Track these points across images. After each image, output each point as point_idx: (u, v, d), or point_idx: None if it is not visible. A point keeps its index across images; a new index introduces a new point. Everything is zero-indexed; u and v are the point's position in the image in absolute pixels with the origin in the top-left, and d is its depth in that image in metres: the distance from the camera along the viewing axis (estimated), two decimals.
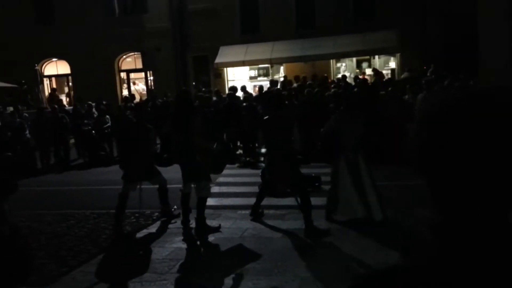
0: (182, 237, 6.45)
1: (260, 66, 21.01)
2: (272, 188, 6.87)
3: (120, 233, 6.79)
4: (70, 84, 24.09)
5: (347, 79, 16.85)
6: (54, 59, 23.76)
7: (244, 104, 12.75)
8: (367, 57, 20.14)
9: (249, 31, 20.59)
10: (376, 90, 12.31)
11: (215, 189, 8.57)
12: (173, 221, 7.12)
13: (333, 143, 6.71)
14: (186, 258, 5.74)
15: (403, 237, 0.90)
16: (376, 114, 9.85)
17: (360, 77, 17.48)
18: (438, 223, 0.83)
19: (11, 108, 14.55)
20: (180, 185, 6.87)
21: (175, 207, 7.35)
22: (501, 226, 0.80)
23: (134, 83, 23.79)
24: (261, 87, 15.19)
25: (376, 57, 20.21)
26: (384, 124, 10.08)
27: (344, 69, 20.64)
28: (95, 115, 14.12)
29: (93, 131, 13.30)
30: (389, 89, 11.56)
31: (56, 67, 24.19)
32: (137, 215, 7.46)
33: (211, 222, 6.73)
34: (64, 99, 22.88)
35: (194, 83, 21.24)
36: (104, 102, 14.90)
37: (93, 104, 14.85)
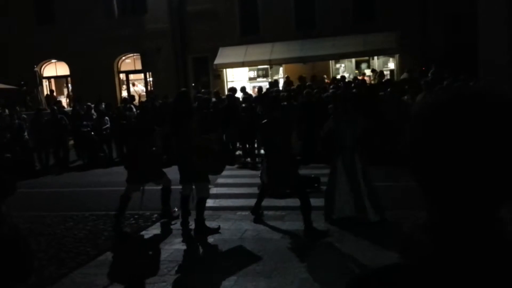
0: (181, 239, 6.44)
1: (260, 67, 21.02)
2: (272, 190, 6.86)
3: (119, 234, 6.79)
4: (69, 85, 24.09)
5: (346, 80, 16.84)
6: (53, 60, 23.77)
7: (244, 105, 12.75)
8: (366, 58, 20.17)
9: (249, 32, 20.59)
10: (375, 91, 12.32)
11: (214, 190, 8.58)
12: (173, 222, 7.11)
13: (332, 143, 6.72)
14: (186, 259, 5.74)
15: (401, 237, 0.90)
16: (375, 115, 9.86)
17: (359, 77, 17.50)
18: (430, 222, 0.84)
19: (7, 111, 14.53)
20: (180, 187, 6.86)
21: (176, 209, 7.35)
22: (491, 224, 0.81)
23: (133, 84, 23.79)
24: (260, 88, 15.20)
25: (375, 58, 20.23)
26: (383, 124, 10.09)
27: (343, 70, 20.67)
28: (94, 117, 14.11)
29: (92, 133, 13.29)
30: (388, 89, 11.56)
31: (55, 69, 24.20)
32: (136, 216, 7.46)
33: (210, 223, 6.73)
34: (64, 100, 22.92)
35: (193, 84, 21.25)
36: (103, 104, 14.89)
37: (92, 105, 14.84)
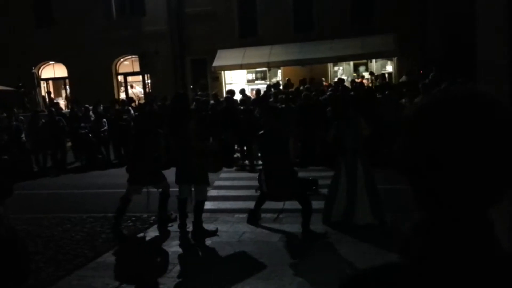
0: (179, 241, 6.43)
1: (258, 69, 21.04)
2: (271, 199, 6.82)
3: (118, 236, 6.77)
4: (67, 87, 24.06)
5: (344, 83, 16.86)
6: (51, 62, 23.73)
7: (242, 107, 12.76)
8: (365, 60, 20.20)
9: (247, 35, 20.61)
10: (373, 94, 12.34)
11: (212, 192, 8.56)
12: (169, 224, 7.10)
13: (336, 148, 6.73)
14: (183, 262, 5.73)
15: (400, 238, 0.92)
16: (373, 118, 9.86)
17: (357, 80, 17.53)
18: (420, 222, 0.86)
19: (4, 114, 14.48)
20: (176, 189, 6.84)
21: (172, 212, 7.33)
22: (479, 223, 0.82)
23: (131, 86, 23.77)
24: (258, 91, 15.20)
25: (373, 61, 20.27)
26: (381, 127, 10.10)
27: (342, 72, 20.70)
28: (92, 118, 14.10)
29: (90, 134, 13.28)
30: (386, 92, 11.58)
31: (54, 70, 24.16)
32: (133, 218, 7.45)
33: (208, 226, 6.72)
34: (62, 102, 22.88)
35: (191, 86, 21.25)
36: (102, 106, 14.88)
37: (91, 107, 14.82)
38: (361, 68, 20.51)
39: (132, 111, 14.62)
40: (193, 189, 6.66)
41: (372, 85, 16.47)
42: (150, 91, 21.11)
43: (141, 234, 6.88)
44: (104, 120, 13.56)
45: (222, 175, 10.17)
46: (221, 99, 14.28)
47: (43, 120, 13.38)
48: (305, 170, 9.55)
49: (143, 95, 21.59)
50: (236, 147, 12.80)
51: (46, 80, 24.32)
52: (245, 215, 7.12)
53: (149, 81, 22.04)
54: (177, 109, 6.69)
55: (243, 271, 5.29)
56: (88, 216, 7.83)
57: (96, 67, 21.47)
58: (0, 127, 13.42)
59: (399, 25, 18.14)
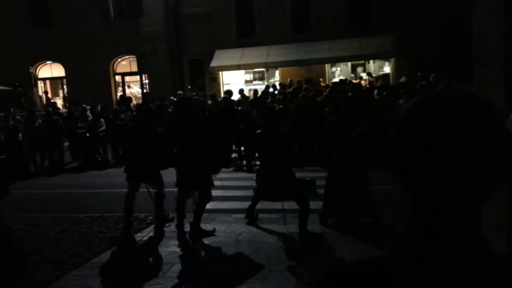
0: (176, 241, 6.43)
1: (256, 70, 21.05)
2: (267, 199, 6.83)
3: (128, 235, 6.80)
4: (65, 87, 24.02)
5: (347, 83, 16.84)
6: (48, 62, 23.70)
7: (239, 108, 12.76)
8: (362, 61, 20.23)
9: (245, 35, 20.63)
10: (370, 95, 12.36)
11: None
12: (167, 224, 7.10)
13: (331, 147, 6.73)
14: (180, 262, 5.72)
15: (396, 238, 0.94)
16: (370, 119, 9.87)
17: (355, 81, 17.54)
18: (410, 220, 0.88)
19: (1, 114, 14.46)
20: (174, 189, 6.85)
21: (170, 212, 7.34)
22: (464, 222, 0.83)
23: (129, 86, 23.76)
24: (255, 91, 15.20)
25: (371, 61, 20.31)
26: (378, 128, 10.11)
27: (339, 73, 20.72)
28: (89, 118, 14.08)
29: (88, 134, 13.26)
30: (384, 93, 11.60)
31: (51, 70, 24.13)
32: (131, 218, 7.43)
33: (205, 226, 6.72)
34: (59, 102, 22.84)
35: (189, 87, 21.24)
36: (99, 106, 14.87)
37: (88, 107, 14.81)
38: (359, 69, 20.54)
39: (129, 111, 14.61)
40: (196, 192, 6.65)
41: (370, 85, 16.48)
42: (147, 91, 21.10)
43: (139, 234, 6.87)
44: (102, 120, 13.54)
45: (220, 175, 10.12)
46: (219, 100, 14.28)
47: (40, 120, 13.35)
48: (303, 170, 9.55)
49: (140, 95, 21.59)
50: (233, 147, 12.79)
51: (44, 79, 24.29)
52: (242, 215, 7.13)
53: (146, 81, 22.04)
54: (181, 114, 6.65)
55: (240, 271, 5.29)
56: (85, 216, 7.82)
57: (94, 67, 21.45)
58: None
59: (397, 26, 18.18)
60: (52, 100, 22.04)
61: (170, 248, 6.17)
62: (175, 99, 14.42)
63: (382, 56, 19.27)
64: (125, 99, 16.53)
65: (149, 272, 5.41)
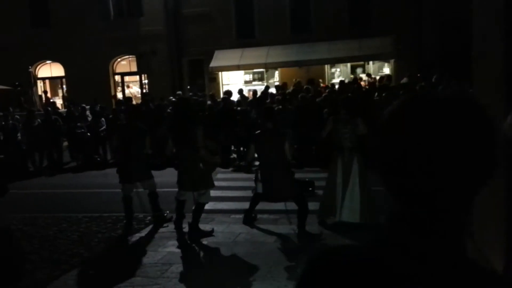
0: (175, 241, 6.43)
1: (255, 70, 21.04)
2: (266, 200, 6.82)
3: (126, 235, 6.82)
4: (64, 86, 24.01)
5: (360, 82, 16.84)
6: (48, 61, 23.68)
7: (239, 108, 12.76)
8: (362, 62, 20.23)
9: (245, 36, 20.62)
10: (370, 96, 12.36)
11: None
12: (165, 225, 7.10)
13: (331, 146, 6.73)
14: (179, 262, 5.72)
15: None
16: (369, 119, 9.87)
17: (346, 81, 17.52)
18: (390, 213, 0.90)
19: (0, 113, 14.44)
20: (173, 189, 6.85)
21: (168, 212, 7.33)
22: (442, 223, 0.84)
23: (128, 86, 23.75)
24: (255, 92, 15.20)
25: (371, 62, 20.31)
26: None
27: (339, 74, 20.73)
28: (89, 118, 14.07)
29: (88, 134, 13.25)
30: (383, 94, 11.61)
31: (50, 70, 24.11)
32: (133, 222, 7.42)
33: (204, 226, 6.72)
34: (58, 101, 22.83)
35: (188, 87, 21.25)
36: (99, 105, 14.86)
37: (87, 106, 14.80)
38: (358, 70, 20.54)
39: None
40: (195, 192, 6.64)
41: (370, 86, 16.46)
42: (146, 91, 21.10)
43: (137, 234, 6.87)
44: (103, 119, 13.53)
45: (219, 175, 10.16)
46: (218, 100, 14.28)
47: (39, 120, 13.35)
48: (301, 171, 9.55)
49: (140, 95, 21.58)
50: (232, 148, 12.80)
51: (43, 79, 24.28)
52: (241, 216, 7.12)
53: (146, 81, 22.04)
54: (181, 116, 6.64)
55: (239, 271, 5.29)
56: (84, 216, 7.82)
57: (93, 67, 21.44)
58: None
59: (397, 27, 18.19)
60: (51, 100, 22.03)
61: (168, 249, 6.17)
62: (174, 99, 14.42)
63: (381, 57, 19.28)
64: (126, 99, 16.53)
65: (147, 272, 5.40)
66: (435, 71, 15.34)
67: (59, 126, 13.33)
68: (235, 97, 14.27)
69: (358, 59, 19.62)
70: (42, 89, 23.74)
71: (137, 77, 22.53)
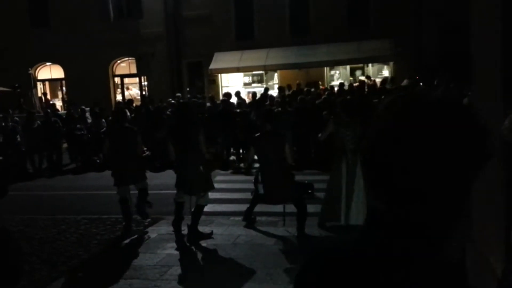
0: (174, 243, 6.42)
1: (255, 72, 21.04)
2: (266, 202, 6.82)
3: (125, 237, 6.82)
4: (64, 88, 24.02)
5: (344, 87, 16.85)
6: (48, 63, 23.68)
7: (238, 110, 12.77)
8: (361, 65, 20.25)
9: (244, 38, 20.63)
10: (369, 97, 12.37)
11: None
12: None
13: (331, 148, 6.72)
14: (178, 264, 5.72)
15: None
16: (368, 122, 9.89)
17: (355, 84, 17.53)
18: (374, 210, 0.91)
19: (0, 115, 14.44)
20: (173, 191, 6.84)
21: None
22: (423, 226, 0.85)
23: (127, 88, 23.76)
24: (254, 94, 15.22)
25: (370, 65, 20.33)
26: None
27: (338, 76, 20.74)
28: (88, 120, 14.07)
29: (89, 135, 13.25)
30: (382, 97, 11.61)
31: (50, 71, 24.11)
32: (132, 224, 7.41)
33: (203, 229, 6.72)
34: (58, 103, 22.83)
35: (188, 89, 21.26)
36: (98, 107, 14.86)
37: (87, 108, 14.80)
38: (358, 72, 20.56)
39: (128, 113, 14.58)
40: (194, 195, 6.65)
41: (369, 88, 16.47)
42: (146, 93, 21.10)
43: (136, 236, 6.86)
44: (103, 120, 13.53)
45: (218, 177, 10.16)
46: (218, 102, 14.29)
47: (39, 122, 13.35)
48: (301, 173, 9.55)
49: (139, 97, 21.59)
50: (232, 150, 12.80)
51: (43, 81, 24.27)
52: (240, 218, 7.13)
53: (145, 83, 22.02)
54: (182, 119, 6.63)
55: (238, 274, 5.29)
56: (83, 218, 7.82)
57: (93, 69, 21.45)
58: None
59: (396, 30, 18.20)
60: (51, 102, 22.02)
61: (167, 251, 6.17)
62: (173, 101, 14.43)
63: (381, 59, 19.29)
64: (128, 101, 16.57)
65: (146, 274, 5.40)
66: (435, 74, 15.34)
67: (59, 128, 13.33)
68: (234, 99, 14.29)
69: (358, 62, 19.63)
70: (42, 91, 23.72)
71: (137, 79, 22.50)
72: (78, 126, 13.50)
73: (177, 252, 6.14)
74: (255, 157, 6.90)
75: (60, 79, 23.95)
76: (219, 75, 21.36)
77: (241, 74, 21.13)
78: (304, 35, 19.83)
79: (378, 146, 0.86)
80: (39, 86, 23.75)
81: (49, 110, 14.59)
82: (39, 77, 23.92)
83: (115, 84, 23.36)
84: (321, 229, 6.58)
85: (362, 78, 19.62)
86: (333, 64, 20.07)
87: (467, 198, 0.85)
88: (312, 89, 15.25)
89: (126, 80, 23.64)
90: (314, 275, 0.93)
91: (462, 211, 0.86)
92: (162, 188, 9.09)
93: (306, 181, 8.59)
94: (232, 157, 12.63)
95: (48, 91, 24.23)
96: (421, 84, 13.53)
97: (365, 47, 18.52)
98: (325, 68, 20.47)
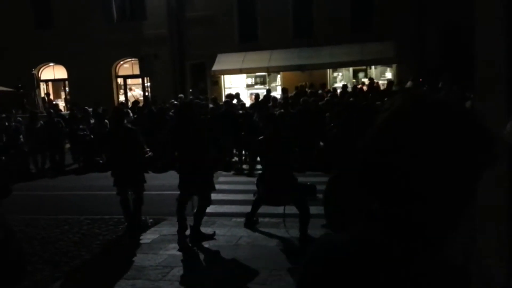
0: (176, 244, 6.43)
1: (257, 74, 21.07)
2: (268, 204, 6.82)
3: (128, 237, 6.84)
4: (67, 88, 24.07)
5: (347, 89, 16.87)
6: (51, 64, 23.75)
7: (241, 112, 12.77)
8: (364, 67, 20.25)
9: (247, 39, 20.66)
10: (372, 100, 12.36)
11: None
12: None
13: (335, 151, 6.70)
14: (180, 265, 5.72)
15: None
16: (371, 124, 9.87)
17: (359, 86, 17.56)
18: (373, 210, 0.91)
19: (3, 115, 14.47)
20: (175, 192, 6.85)
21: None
22: (420, 226, 0.86)
23: (130, 89, 23.80)
24: (257, 95, 15.22)
25: (373, 67, 20.33)
26: None
27: (341, 78, 20.75)
28: (92, 121, 14.10)
29: (92, 136, 13.27)
30: (385, 99, 11.60)
31: (53, 72, 24.18)
32: (133, 223, 7.42)
33: (205, 230, 6.72)
34: (61, 104, 22.88)
35: (191, 90, 21.27)
36: (101, 107, 14.89)
37: (90, 109, 14.83)
38: (361, 74, 20.56)
39: (131, 114, 14.61)
40: (196, 195, 6.65)
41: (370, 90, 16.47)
42: (148, 94, 21.14)
43: (138, 237, 6.87)
44: (106, 121, 13.56)
45: (220, 179, 10.17)
46: (220, 103, 14.30)
47: (42, 122, 13.38)
48: (303, 175, 9.54)
49: (142, 98, 21.62)
50: (234, 151, 12.80)
51: (46, 81, 24.34)
52: (242, 219, 7.12)
53: (148, 84, 22.07)
54: (184, 119, 6.63)
55: (240, 275, 5.29)
56: (85, 218, 7.83)
57: (96, 69, 21.50)
58: None
59: (398, 32, 18.21)
60: (54, 102, 22.07)
61: (170, 251, 6.17)
62: (176, 102, 14.44)
63: (383, 61, 19.30)
64: (133, 103, 16.63)
65: (148, 275, 5.40)
66: (438, 76, 15.31)
67: (62, 128, 13.37)
68: (234, 101, 14.29)
69: (360, 64, 19.64)
70: (45, 91, 23.79)
71: (140, 80, 22.57)
72: (81, 126, 13.52)
73: (179, 253, 6.14)
74: (258, 158, 6.90)
75: (63, 80, 24.02)
76: (222, 76, 21.38)
77: (244, 75, 21.15)
78: (307, 37, 19.85)
79: (378, 147, 0.86)
80: (42, 86, 23.82)
81: (52, 111, 14.61)
82: (42, 78, 23.99)
83: (118, 85, 23.42)
84: (325, 230, 6.56)
85: (365, 80, 19.66)
86: (336, 66, 20.08)
87: (469, 201, 0.85)
88: (320, 91, 15.27)
89: (129, 81, 23.70)
90: (315, 276, 0.93)
91: (463, 213, 0.86)
92: (164, 189, 9.10)
93: (308, 183, 8.58)
94: (234, 159, 12.63)
95: (51, 92, 24.29)
96: (425, 86, 13.49)
97: (368, 49, 18.53)
98: (328, 70, 20.48)
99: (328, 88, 18.91)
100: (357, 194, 0.96)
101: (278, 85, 20.28)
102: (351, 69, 20.58)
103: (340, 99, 13.46)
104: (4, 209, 4.02)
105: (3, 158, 11.96)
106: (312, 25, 20.14)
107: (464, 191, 0.83)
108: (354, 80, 20.30)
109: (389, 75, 20.28)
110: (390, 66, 20.02)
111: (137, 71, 21.34)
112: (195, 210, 6.65)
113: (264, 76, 21.14)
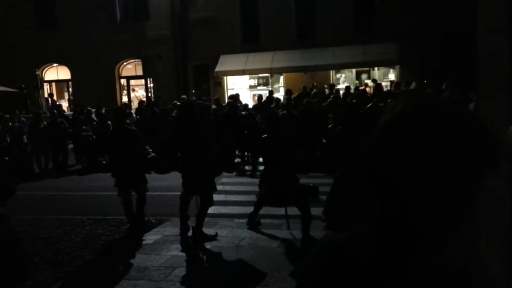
0: (178, 245, 6.43)
1: (260, 75, 21.09)
2: (270, 204, 6.83)
3: (130, 238, 6.85)
4: (70, 89, 24.14)
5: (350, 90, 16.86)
6: (54, 64, 23.82)
7: (244, 113, 12.78)
8: (367, 68, 20.24)
9: (250, 41, 20.68)
10: (375, 102, 12.34)
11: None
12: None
13: (338, 152, 6.70)
14: (182, 266, 5.72)
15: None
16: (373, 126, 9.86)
17: (361, 88, 17.53)
18: (372, 211, 0.91)
19: (7, 115, 14.51)
20: (178, 192, 6.86)
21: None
22: (417, 229, 0.85)
23: (133, 90, 23.84)
24: (260, 96, 15.23)
25: (376, 68, 20.31)
26: None
27: (344, 80, 20.74)
28: (94, 121, 14.14)
29: (94, 136, 13.31)
30: (388, 100, 11.59)
31: (57, 72, 24.25)
32: (135, 223, 7.43)
33: (208, 230, 6.72)
34: (64, 104, 22.95)
35: (193, 91, 21.31)
36: (104, 108, 14.92)
37: (93, 110, 14.87)
38: (363, 76, 20.54)
39: (134, 115, 14.65)
40: (198, 196, 6.65)
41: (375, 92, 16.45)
42: (151, 95, 21.18)
43: (141, 237, 6.88)
44: (109, 122, 13.59)
45: (222, 179, 10.15)
46: (223, 104, 14.32)
47: (45, 122, 13.42)
48: (306, 176, 9.54)
49: (145, 99, 21.66)
50: (237, 152, 12.81)
51: (49, 82, 24.41)
52: (244, 220, 7.12)
53: (151, 85, 22.11)
54: (186, 120, 6.64)
55: (242, 276, 5.29)
56: (88, 218, 7.85)
57: (99, 70, 21.55)
58: (2, 128, 13.46)
59: (401, 34, 18.19)
60: (57, 103, 22.14)
61: (172, 252, 6.17)
62: (179, 103, 14.47)
63: (386, 63, 19.29)
64: (139, 103, 16.67)
65: (151, 275, 5.41)
66: (442, 78, 15.30)
67: (65, 128, 13.40)
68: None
69: (363, 65, 19.64)
70: (48, 92, 23.86)
71: (143, 81, 22.61)
72: (84, 127, 13.56)
73: (181, 254, 6.15)
74: (260, 159, 6.90)
75: (66, 80, 24.09)
76: (225, 77, 21.40)
77: (247, 76, 21.17)
78: (309, 38, 19.84)
79: (380, 148, 0.86)
80: (46, 87, 23.89)
81: (55, 111, 14.65)
82: (46, 78, 24.07)
83: (121, 86, 23.47)
84: (327, 231, 6.56)
85: (368, 81, 19.64)
86: (339, 68, 20.08)
87: (472, 203, 0.84)
88: (327, 91, 15.26)
89: (132, 82, 23.75)
90: (316, 276, 0.93)
91: (465, 215, 0.85)
92: (167, 189, 9.10)
93: (311, 184, 8.57)
94: (237, 159, 12.63)
95: (54, 92, 24.37)
96: (429, 88, 13.49)
97: (371, 51, 18.52)
98: (331, 71, 20.48)
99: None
100: (359, 193, 0.95)
101: (281, 86, 20.30)
102: (354, 70, 20.58)
103: (343, 100, 13.45)
104: (8, 209, 4.05)
105: (7, 158, 11.99)
106: (315, 26, 20.14)
107: (466, 193, 0.83)
108: (357, 82, 20.29)
109: (392, 76, 20.25)
110: (393, 68, 20.01)
111: (140, 72, 21.40)
112: (197, 211, 6.65)
113: (267, 77, 21.15)
